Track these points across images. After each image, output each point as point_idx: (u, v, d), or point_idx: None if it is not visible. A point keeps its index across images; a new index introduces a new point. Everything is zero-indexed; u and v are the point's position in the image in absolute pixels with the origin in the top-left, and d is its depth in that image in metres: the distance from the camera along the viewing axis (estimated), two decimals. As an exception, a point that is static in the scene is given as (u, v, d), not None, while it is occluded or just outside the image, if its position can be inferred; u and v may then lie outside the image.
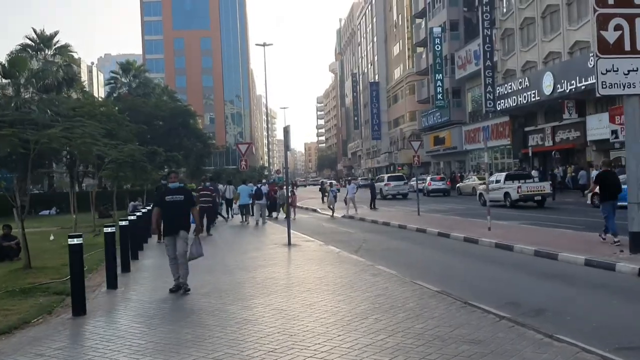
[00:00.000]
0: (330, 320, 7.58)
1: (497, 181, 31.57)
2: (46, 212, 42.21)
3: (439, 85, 63.20)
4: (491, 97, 50.63)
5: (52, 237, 20.97)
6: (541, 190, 29.64)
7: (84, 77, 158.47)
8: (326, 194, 31.62)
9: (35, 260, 14.90)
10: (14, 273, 13.03)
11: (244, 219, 28.04)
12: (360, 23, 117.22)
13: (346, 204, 31.28)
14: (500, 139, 52.28)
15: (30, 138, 13.37)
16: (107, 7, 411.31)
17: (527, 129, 47.65)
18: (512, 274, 11.88)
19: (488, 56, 50.74)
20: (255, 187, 28.39)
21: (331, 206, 31.60)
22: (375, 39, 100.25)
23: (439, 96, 63.35)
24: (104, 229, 10.99)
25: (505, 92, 47.32)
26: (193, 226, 10.66)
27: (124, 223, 14.23)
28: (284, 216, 29.61)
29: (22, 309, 9.20)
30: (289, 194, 21.17)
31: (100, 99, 53.60)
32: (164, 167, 45.63)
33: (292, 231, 17.73)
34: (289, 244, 16.75)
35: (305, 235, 19.81)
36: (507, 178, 31.09)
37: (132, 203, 33.84)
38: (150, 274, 12.68)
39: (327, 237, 20.24)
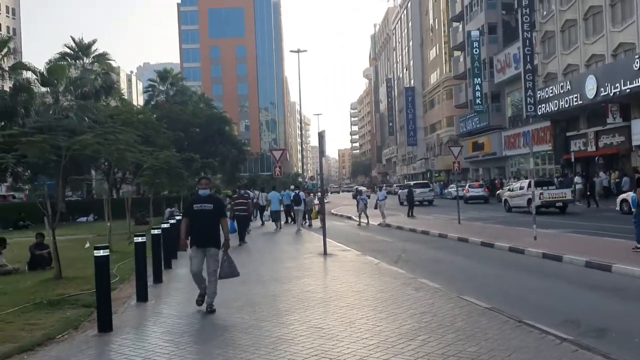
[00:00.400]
0: (372, 342, 6.96)
1: (521, 188, 32.51)
2: (84, 218, 42.34)
3: (477, 90, 62.09)
4: (532, 102, 49.44)
5: (87, 245, 20.70)
6: (563, 197, 30.56)
7: (123, 85, 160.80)
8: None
9: (67, 269, 14.56)
10: (44, 283, 12.67)
11: (278, 226, 27.69)
12: (395, 28, 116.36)
13: (378, 209, 30.79)
14: (541, 145, 51.01)
15: (62, 144, 13.03)
16: (146, 17, 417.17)
17: (569, 133, 46.39)
18: (565, 287, 11.12)
19: (528, 59, 49.59)
20: (293, 194, 29.14)
21: (362, 214, 30.80)
22: (410, 44, 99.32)
23: (478, 101, 62.21)
24: (134, 238, 10.51)
25: (547, 96, 46.10)
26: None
27: (156, 231, 13.84)
28: (307, 224, 30.19)
29: (48, 323, 8.78)
30: (323, 201, 20.55)
31: (138, 107, 53.72)
32: (200, 173, 45.49)
33: (327, 239, 17.13)
34: (325, 253, 16.16)
35: (341, 244, 19.20)
36: (529, 185, 29.38)
37: (168, 209, 33.83)
38: (183, 284, 12.19)
39: (364, 246, 19.60)
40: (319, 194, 28.96)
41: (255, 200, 29.61)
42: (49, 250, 15.53)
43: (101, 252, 7.81)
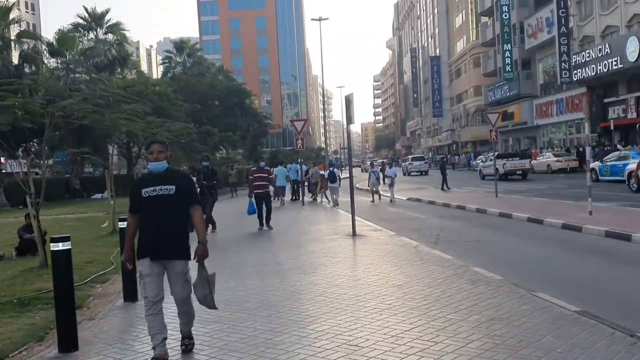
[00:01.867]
0: (432, 371, 4.93)
1: (491, 159, 37.68)
2: (98, 195, 40.70)
3: (507, 56, 59.42)
4: (566, 67, 46.72)
5: (105, 224, 18.84)
6: (522, 167, 38.72)
7: (143, 60, 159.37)
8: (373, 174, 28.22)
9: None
10: (26, 274, 10.79)
11: (280, 201, 26.59)
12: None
13: (388, 188, 27.95)
14: (576, 112, 48.41)
15: (37, 109, 11.06)
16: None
17: (606, 100, 43.68)
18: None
19: (563, 22, 46.80)
20: (299, 167, 28.91)
21: (374, 189, 27.83)
22: (435, 11, 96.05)
23: (508, 68, 59.59)
24: (119, 223, 8.45)
25: (583, 61, 43.39)
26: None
27: None
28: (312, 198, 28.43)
29: (8, 332, 6.88)
30: (352, 175, 18.44)
31: (154, 79, 51.80)
32: (219, 147, 43.70)
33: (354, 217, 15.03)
34: (354, 234, 14.11)
35: (370, 223, 17.14)
36: (497, 157, 34.46)
37: None
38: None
39: (395, 224, 17.55)
40: (342, 167, 26.99)
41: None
42: (41, 232, 13.68)
43: (60, 246, 5.70)
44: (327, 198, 26.88)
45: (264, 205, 16.72)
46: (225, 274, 9.68)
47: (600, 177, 29.51)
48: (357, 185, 27.97)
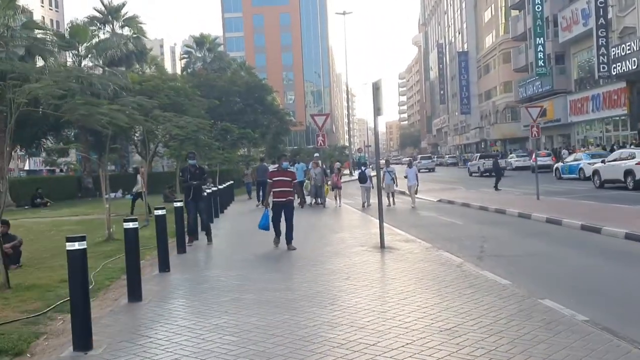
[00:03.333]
0: None
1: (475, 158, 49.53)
2: (112, 194, 38.85)
3: (539, 51, 56.72)
4: (605, 61, 43.94)
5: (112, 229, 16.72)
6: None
7: (168, 58, 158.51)
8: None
9: (38, 267, 10.89)
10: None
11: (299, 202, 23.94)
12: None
13: (408, 192, 24.75)
14: (614, 109, 45.64)
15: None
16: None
17: (648, 95, 41.01)
18: None
19: (601, 13, 44.04)
20: (304, 166, 26.64)
21: (390, 191, 23.79)
22: (463, 5, 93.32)
23: (540, 63, 56.91)
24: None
25: (622, 54, 40.64)
26: None
27: (159, 212, 10.11)
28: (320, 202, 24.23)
29: None
30: (379, 175, 16.30)
31: (172, 74, 49.97)
32: (237, 145, 41.75)
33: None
34: (382, 246, 11.94)
35: (400, 231, 14.91)
36: (479, 157, 49.39)
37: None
38: (184, 289, 8.26)
39: (429, 232, 15.36)
40: (369, 166, 24.59)
41: None
42: (15, 243, 11.74)
43: None
44: (336, 200, 24.76)
45: (282, 216, 12.66)
46: (218, 303, 7.62)
47: (562, 176, 34.99)
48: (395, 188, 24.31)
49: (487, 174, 44.26)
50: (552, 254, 11.57)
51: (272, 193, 12.73)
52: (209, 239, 13.85)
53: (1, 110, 9.83)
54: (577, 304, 7.01)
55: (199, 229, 13.99)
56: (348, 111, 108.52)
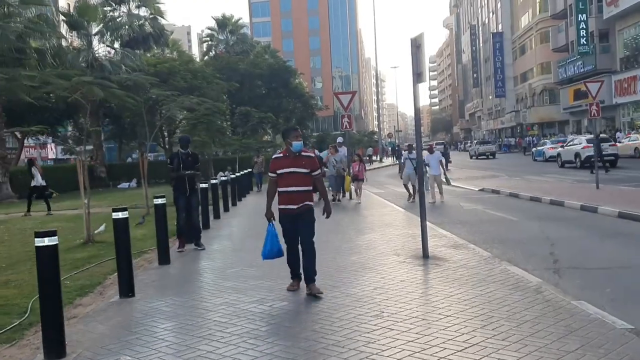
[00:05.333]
0: None
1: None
2: (125, 184, 36.66)
3: (582, 28, 53.24)
4: (657, 36, 40.48)
5: (101, 229, 14.23)
6: (490, 150, 59.76)
7: (194, 45, 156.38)
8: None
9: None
10: None
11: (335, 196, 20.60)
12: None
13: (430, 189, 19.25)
14: (665, 89, 42.17)
15: None
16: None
17: None
18: None
19: (654, -16, 40.50)
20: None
21: (409, 183, 19.63)
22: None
23: (582, 41, 53.39)
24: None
25: (677, 29, 37.17)
26: None
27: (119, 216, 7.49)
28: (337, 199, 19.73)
29: None
30: (421, 162, 13.46)
31: (192, 56, 47.39)
32: (258, 130, 39.13)
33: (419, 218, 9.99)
34: (425, 255, 9.14)
35: (444, 231, 12.04)
36: (477, 143, 59.10)
37: (220, 174, 27.01)
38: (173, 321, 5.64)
39: (480, 231, 12.55)
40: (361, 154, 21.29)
41: None
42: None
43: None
44: (355, 194, 20.26)
45: (297, 238, 7.43)
46: (189, 347, 4.96)
47: (536, 158, 44.45)
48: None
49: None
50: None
51: (278, 195, 7.43)
52: (199, 244, 11.15)
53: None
54: None
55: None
56: (377, 96, 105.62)
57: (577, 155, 32.88)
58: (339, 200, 19.87)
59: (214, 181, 19.21)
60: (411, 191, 19.54)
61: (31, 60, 23.86)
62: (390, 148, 76.98)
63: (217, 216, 16.64)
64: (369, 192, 22.97)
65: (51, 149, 66.38)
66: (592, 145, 27.50)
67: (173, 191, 11.07)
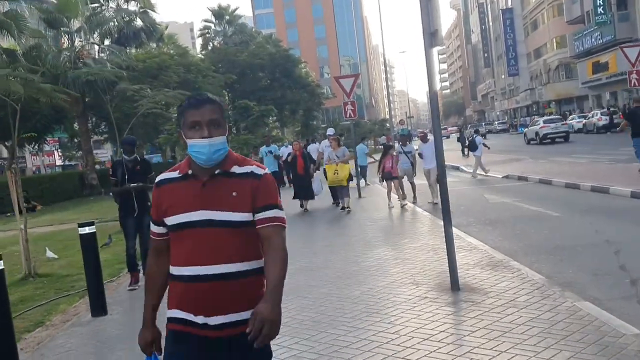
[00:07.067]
0: None
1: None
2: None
3: (599, -5, 50.23)
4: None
5: (50, 254, 11.79)
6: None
7: (198, 42, 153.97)
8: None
9: None
10: None
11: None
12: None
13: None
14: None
15: None
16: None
17: None
18: None
19: (677, -59, 37.51)
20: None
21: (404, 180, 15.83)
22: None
23: (600, 10, 50.39)
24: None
25: None
26: None
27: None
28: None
29: None
30: (442, 150, 10.74)
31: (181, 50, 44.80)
32: (260, 124, 36.60)
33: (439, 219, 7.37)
34: (455, 285, 6.58)
35: (474, 239, 9.36)
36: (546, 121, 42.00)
37: None
38: None
39: (517, 236, 9.97)
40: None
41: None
42: None
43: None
44: (388, 197, 15.61)
45: None
46: None
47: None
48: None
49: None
50: None
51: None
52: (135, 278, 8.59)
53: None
54: None
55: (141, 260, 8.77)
56: (387, 83, 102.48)
57: (537, 133, 39.27)
58: (348, 209, 14.89)
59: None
60: (402, 192, 15.24)
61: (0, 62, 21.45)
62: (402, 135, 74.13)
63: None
64: (381, 187, 20.45)
65: (59, 155, 64.26)
66: (548, 125, 39.29)
67: (118, 211, 8.57)
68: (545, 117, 44.27)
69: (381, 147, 20.39)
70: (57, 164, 65.17)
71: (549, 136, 38.52)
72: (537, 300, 5.82)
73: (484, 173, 21.62)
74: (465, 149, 33.48)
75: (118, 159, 9.17)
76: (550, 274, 7.06)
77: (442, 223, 6.85)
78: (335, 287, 7.18)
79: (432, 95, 6.70)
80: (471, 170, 22.45)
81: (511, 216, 12.16)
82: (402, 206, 14.60)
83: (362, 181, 20.76)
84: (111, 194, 8.69)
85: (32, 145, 37.50)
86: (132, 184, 8.34)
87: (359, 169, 19.71)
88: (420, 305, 6.03)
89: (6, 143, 34.74)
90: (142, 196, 8.47)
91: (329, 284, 7.33)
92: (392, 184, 15.29)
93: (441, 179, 7.04)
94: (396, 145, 18.39)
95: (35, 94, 10.08)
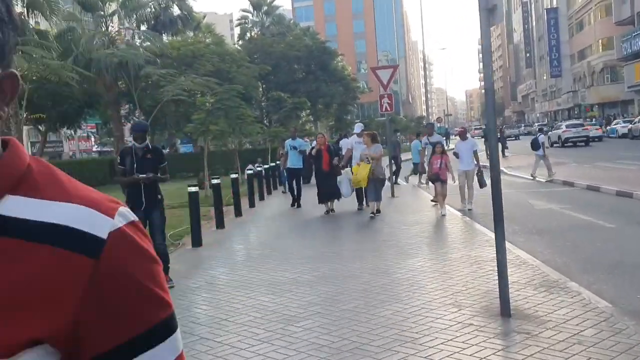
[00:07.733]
0: None
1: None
2: (151, 174, 33.64)
3: (651, -4, 48.28)
4: None
5: None
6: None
7: (236, 32, 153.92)
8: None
9: None
10: None
11: (293, 203, 16.33)
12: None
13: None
14: None
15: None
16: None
17: None
18: None
19: None
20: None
21: (422, 182, 16.06)
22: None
23: (651, 11, 48.41)
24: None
25: None
26: None
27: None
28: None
29: None
30: (496, 146, 9.69)
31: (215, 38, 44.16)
32: (291, 117, 35.71)
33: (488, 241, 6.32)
34: (506, 312, 5.48)
35: (524, 253, 8.23)
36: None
37: (250, 167, 23.35)
38: None
39: (567, 247, 8.95)
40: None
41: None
42: None
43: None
44: (439, 201, 13.36)
45: None
46: None
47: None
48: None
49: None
50: None
51: None
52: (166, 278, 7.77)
53: None
54: None
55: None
56: (425, 80, 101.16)
57: (559, 137, 41.59)
58: (371, 214, 12.93)
59: (233, 175, 15.94)
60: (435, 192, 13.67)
61: (31, 43, 20.95)
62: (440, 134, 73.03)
63: (220, 225, 13.09)
64: (417, 188, 19.46)
65: (94, 141, 64.31)
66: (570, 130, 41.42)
67: (125, 203, 7.74)
68: (568, 122, 47.98)
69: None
70: (94, 149, 65.30)
71: (570, 140, 40.67)
72: (607, 337, 4.78)
73: (547, 176, 19.97)
74: (505, 150, 33.60)
75: (127, 145, 8.34)
76: (614, 299, 6.02)
77: (484, 230, 5.94)
78: (363, 304, 6.21)
79: (488, 85, 5.71)
80: (532, 172, 21.11)
81: (560, 225, 11.05)
82: (443, 215, 12.66)
83: (416, 179, 19.87)
84: (120, 184, 7.83)
85: (67, 129, 37.29)
86: (141, 175, 7.49)
87: (412, 166, 19.05)
88: (463, 335, 5.02)
89: (39, 127, 34.69)
90: (152, 188, 7.62)
91: (355, 300, 6.36)
92: (436, 186, 13.26)
93: (494, 183, 6.02)
94: (423, 138, 16.96)
95: (43, 71, 9.28)
